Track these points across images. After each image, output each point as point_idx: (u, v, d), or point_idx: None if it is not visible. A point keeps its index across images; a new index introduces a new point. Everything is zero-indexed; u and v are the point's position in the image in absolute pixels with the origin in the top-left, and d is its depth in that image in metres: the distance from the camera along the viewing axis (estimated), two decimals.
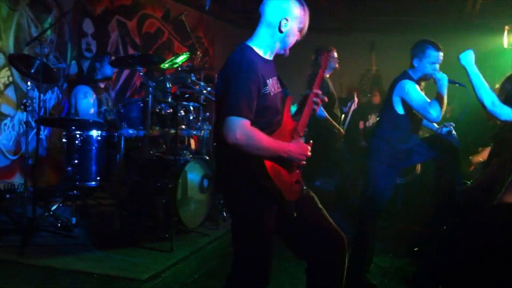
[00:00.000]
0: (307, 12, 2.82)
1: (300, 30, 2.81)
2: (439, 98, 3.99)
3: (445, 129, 4.44)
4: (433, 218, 5.05)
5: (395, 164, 4.25)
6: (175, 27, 8.68)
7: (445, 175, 4.49)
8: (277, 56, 2.86)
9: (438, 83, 4.04)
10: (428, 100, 4.01)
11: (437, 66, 4.14)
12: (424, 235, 5.37)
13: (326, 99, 3.03)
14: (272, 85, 2.75)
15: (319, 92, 2.97)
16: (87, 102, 5.49)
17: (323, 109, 6.20)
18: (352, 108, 6.77)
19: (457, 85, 4.16)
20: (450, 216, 4.57)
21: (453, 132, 4.45)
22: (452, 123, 4.50)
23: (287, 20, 2.73)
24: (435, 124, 4.52)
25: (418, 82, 4.16)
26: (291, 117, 2.85)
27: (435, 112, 3.95)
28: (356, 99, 6.90)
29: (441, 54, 4.13)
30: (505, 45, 8.74)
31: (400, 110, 4.16)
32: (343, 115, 6.73)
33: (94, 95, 5.55)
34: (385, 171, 4.22)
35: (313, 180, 6.90)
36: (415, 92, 4.05)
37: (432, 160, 4.64)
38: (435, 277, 4.27)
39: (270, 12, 2.75)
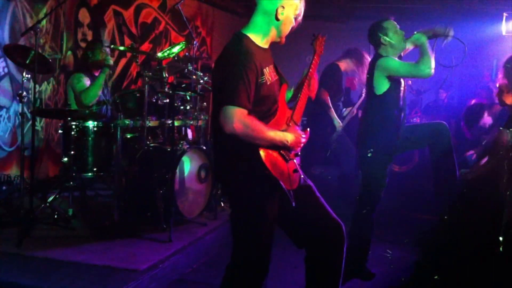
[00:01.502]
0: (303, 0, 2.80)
1: (296, 18, 2.81)
2: (424, 54, 3.95)
3: None
4: (435, 205, 5.03)
5: (389, 151, 4.21)
6: (172, 16, 8.63)
7: (441, 161, 4.44)
8: (274, 44, 2.84)
9: (417, 44, 4.04)
10: (412, 63, 3.99)
11: (403, 32, 4.10)
12: (424, 222, 5.37)
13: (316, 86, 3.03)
14: (269, 73, 2.74)
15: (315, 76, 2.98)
16: (82, 85, 5.43)
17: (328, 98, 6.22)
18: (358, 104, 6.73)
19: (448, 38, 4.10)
20: (452, 204, 4.55)
21: None
22: None
23: (283, 7, 2.72)
24: None
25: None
26: (286, 105, 2.84)
27: (426, 66, 3.91)
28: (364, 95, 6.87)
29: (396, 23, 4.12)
30: (503, 32, 8.71)
31: (383, 88, 4.08)
32: (346, 109, 6.71)
33: (89, 81, 5.49)
34: (379, 159, 4.18)
35: (312, 169, 6.91)
36: (395, 61, 4.02)
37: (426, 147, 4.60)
38: (436, 266, 4.26)
39: (266, 0, 2.71)
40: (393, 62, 4.02)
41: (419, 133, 4.34)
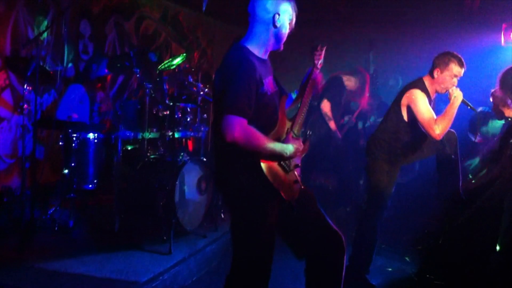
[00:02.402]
0: (294, 3, 2.86)
1: (290, 23, 2.85)
2: (447, 116, 3.92)
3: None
4: (441, 213, 5.02)
5: (395, 161, 4.22)
6: (172, 28, 8.66)
7: (447, 172, 4.44)
8: (274, 53, 2.87)
9: (452, 99, 3.98)
10: (435, 117, 3.95)
11: (456, 81, 4.08)
12: (426, 232, 5.36)
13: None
14: (269, 84, 2.76)
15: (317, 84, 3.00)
16: (67, 99, 5.46)
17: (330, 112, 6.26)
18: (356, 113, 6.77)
19: (469, 107, 4.11)
20: (456, 213, 4.55)
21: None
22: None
23: (279, 14, 2.77)
24: None
25: (430, 93, 4.11)
26: (286, 117, 2.85)
27: (439, 129, 3.89)
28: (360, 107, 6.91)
29: (463, 70, 4.07)
30: (502, 43, 8.72)
31: (405, 116, 4.13)
32: (346, 117, 6.75)
33: (86, 94, 5.52)
34: (386, 169, 4.20)
35: (313, 178, 6.92)
36: (423, 104, 3.99)
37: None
38: (437, 275, 4.26)
39: (261, 10, 2.77)
40: (421, 102, 3.99)
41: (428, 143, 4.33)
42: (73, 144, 4.89)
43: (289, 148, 2.71)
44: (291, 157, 2.72)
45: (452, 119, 3.93)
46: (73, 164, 4.89)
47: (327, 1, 9.14)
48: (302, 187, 2.88)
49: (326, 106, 6.38)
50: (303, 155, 2.94)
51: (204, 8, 6.59)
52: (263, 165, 2.60)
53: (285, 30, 2.83)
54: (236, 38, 2.86)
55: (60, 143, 5.03)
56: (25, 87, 4.76)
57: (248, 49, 2.75)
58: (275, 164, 2.69)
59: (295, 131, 2.87)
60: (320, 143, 6.53)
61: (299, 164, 2.88)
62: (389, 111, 4.35)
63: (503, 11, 8.16)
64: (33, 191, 4.75)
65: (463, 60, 4.08)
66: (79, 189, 5.05)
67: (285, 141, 2.77)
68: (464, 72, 4.09)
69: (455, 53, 4.10)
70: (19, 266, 4.03)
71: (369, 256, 4.29)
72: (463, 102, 4.02)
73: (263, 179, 2.60)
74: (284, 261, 3.61)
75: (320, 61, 3.08)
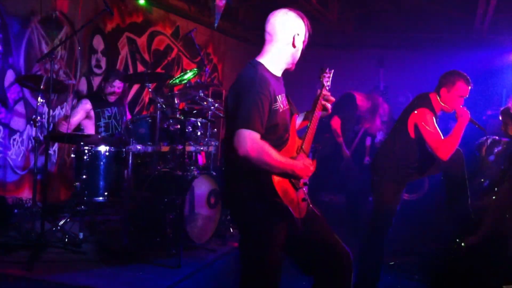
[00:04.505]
0: (308, 24, 2.89)
1: (304, 42, 2.89)
2: (454, 136, 3.92)
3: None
4: (446, 233, 5.00)
5: (402, 180, 4.23)
6: (184, 44, 8.75)
7: (454, 190, 4.43)
8: (287, 73, 2.90)
9: (459, 119, 3.99)
10: (442, 137, 3.95)
11: (463, 100, 4.09)
12: (435, 250, 5.33)
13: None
14: (282, 101, 2.79)
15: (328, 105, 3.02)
16: (73, 111, 5.59)
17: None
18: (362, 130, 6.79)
19: (477, 126, 4.11)
20: (464, 232, 4.54)
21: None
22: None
23: (298, 34, 2.81)
24: None
25: (436, 111, 4.12)
26: (296, 135, 2.88)
27: (445, 150, 3.89)
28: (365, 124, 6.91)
29: (470, 88, 4.08)
30: None
31: (412, 134, 4.12)
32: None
33: (92, 109, 5.62)
34: (391, 187, 4.20)
35: (321, 196, 6.92)
36: (431, 124, 3.98)
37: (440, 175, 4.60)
38: None
39: (282, 29, 2.79)
40: (429, 122, 3.98)
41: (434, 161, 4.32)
42: (85, 157, 4.94)
43: (299, 165, 2.72)
44: (300, 174, 2.73)
45: (459, 139, 3.92)
46: (84, 177, 4.93)
47: (336, 27, 9.24)
48: (310, 205, 2.90)
49: (336, 122, 6.40)
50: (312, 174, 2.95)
51: (216, 24, 6.68)
52: (274, 180, 2.62)
53: (300, 51, 2.88)
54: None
55: (72, 156, 5.08)
56: (38, 100, 4.81)
57: (263, 66, 2.78)
58: (285, 181, 2.70)
59: (305, 149, 2.89)
60: (328, 160, 6.55)
61: (307, 182, 2.89)
62: (395, 129, 4.35)
63: None
64: (43, 203, 4.78)
65: (469, 79, 4.08)
66: (89, 202, 5.08)
67: (296, 158, 2.79)
68: (474, 91, 4.10)
69: (461, 72, 4.11)
70: (29, 279, 4.06)
71: (375, 273, 4.26)
72: (470, 121, 4.02)
73: (274, 195, 2.61)
74: (290, 279, 3.62)
75: (328, 83, 3.11)
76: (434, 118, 4.03)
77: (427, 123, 3.98)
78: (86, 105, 5.69)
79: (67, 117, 5.60)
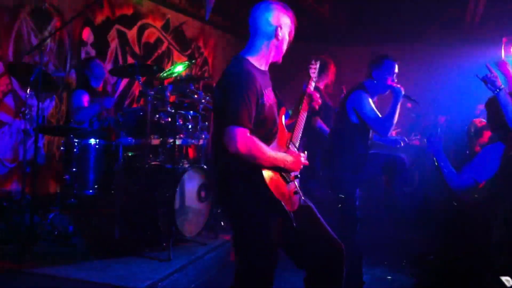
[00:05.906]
0: (293, 16, 2.91)
1: (289, 35, 2.90)
2: (391, 112, 4.02)
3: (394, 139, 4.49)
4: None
5: (357, 170, 4.23)
6: (174, 36, 8.71)
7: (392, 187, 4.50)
8: (275, 67, 2.91)
9: (393, 95, 4.09)
10: (380, 115, 4.05)
11: (395, 77, 4.18)
12: (426, 243, 5.37)
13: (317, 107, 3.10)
14: (268, 95, 2.79)
15: (317, 100, 3.04)
16: (79, 99, 5.53)
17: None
18: None
19: (412, 101, 4.26)
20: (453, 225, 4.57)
21: (402, 144, 4.48)
22: (404, 138, 4.54)
23: (281, 27, 2.82)
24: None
25: (373, 94, 4.20)
26: (285, 128, 2.89)
27: (384, 127, 4.00)
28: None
29: (397, 65, 4.20)
30: (503, 57, 8.78)
31: (353, 119, 4.19)
32: None
33: (89, 98, 5.56)
34: (350, 178, 4.21)
35: (312, 190, 6.92)
36: (367, 105, 4.09)
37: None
38: (438, 285, 4.27)
39: (264, 22, 2.81)
40: (365, 103, 4.10)
41: (378, 160, 4.36)
42: (74, 150, 4.91)
43: (290, 158, 2.74)
44: (292, 167, 2.75)
45: (396, 115, 4.02)
46: (74, 170, 4.90)
47: (329, 19, 9.24)
48: (302, 197, 2.91)
49: (315, 121, 6.37)
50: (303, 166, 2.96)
51: (207, 18, 6.66)
52: (265, 175, 2.62)
53: (285, 43, 2.89)
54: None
55: (62, 148, 5.04)
56: (27, 92, 4.77)
57: (248, 61, 2.79)
58: (276, 175, 2.71)
59: (294, 142, 2.91)
60: (319, 154, 6.52)
61: (299, 175, 2.90)
62: (338, 117, 4.42)
63: (503, 25, 8.23)
64: (33, 196, 4.75)
65: (395, 56, 4.23)
66: (79, 195, 5.05)
67: (287, 152, 2.79)
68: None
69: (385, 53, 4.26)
70: (19, 272, 4.04)
71: (357, 268, 4.23)
72: (405, 96, 4.12)
73: (265, 189, 2.62)
74: (282, 273, 3.62)
75: (315, 74, 3.17)
76: (370, 99, 4.14)
77: (362, 103, 4.10)
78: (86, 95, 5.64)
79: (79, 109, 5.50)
